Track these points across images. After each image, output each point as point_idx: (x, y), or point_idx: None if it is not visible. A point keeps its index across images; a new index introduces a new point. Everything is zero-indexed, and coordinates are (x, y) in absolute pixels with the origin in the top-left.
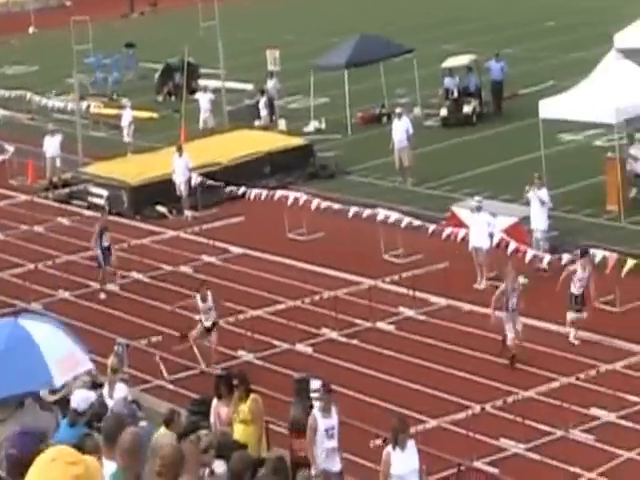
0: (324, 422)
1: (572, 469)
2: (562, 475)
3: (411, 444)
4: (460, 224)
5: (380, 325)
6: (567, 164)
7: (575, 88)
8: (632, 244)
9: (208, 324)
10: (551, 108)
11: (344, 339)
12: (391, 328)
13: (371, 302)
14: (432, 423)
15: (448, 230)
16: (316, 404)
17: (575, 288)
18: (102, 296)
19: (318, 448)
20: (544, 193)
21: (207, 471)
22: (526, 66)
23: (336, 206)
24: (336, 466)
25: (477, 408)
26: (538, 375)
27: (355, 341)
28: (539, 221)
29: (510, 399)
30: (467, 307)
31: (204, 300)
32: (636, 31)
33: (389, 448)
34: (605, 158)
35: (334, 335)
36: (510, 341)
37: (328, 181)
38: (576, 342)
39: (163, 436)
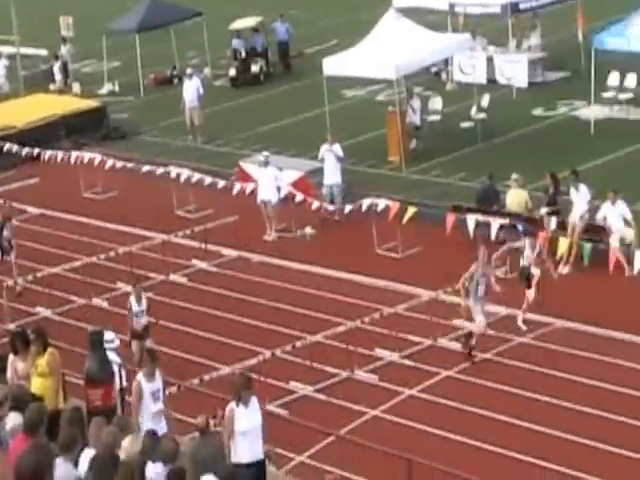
0: (149, 386)
1: (357, 407)
2: (348, 414)
3: (254, 400)
4: (249, 179)
5: (173, 277)
6: (351, 119)
7: (357, 46)
8: (412, 193)
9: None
10: (334, 66)
11: None
12: (184, 280)
13: (165, 256)
14: (225, 370)
15: (237, 185)
16: (111, 354)
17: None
18: None
19: (144, 411)
20: (338, 148)
21: (2, 423)
22: (310, 27)
23: (129, 165)
24: (162, 428)
25: (268, 354)
26: (325, 320)
27: (150, 294)
28: (334, 176)
29: (299, 344)
30: (257, 258)
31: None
32: None
33: (232, 405)
34: (386, 112)
35: (129, 289)
36: (480, 327)
37: (122, 142)
38: (523, 327)
39: None
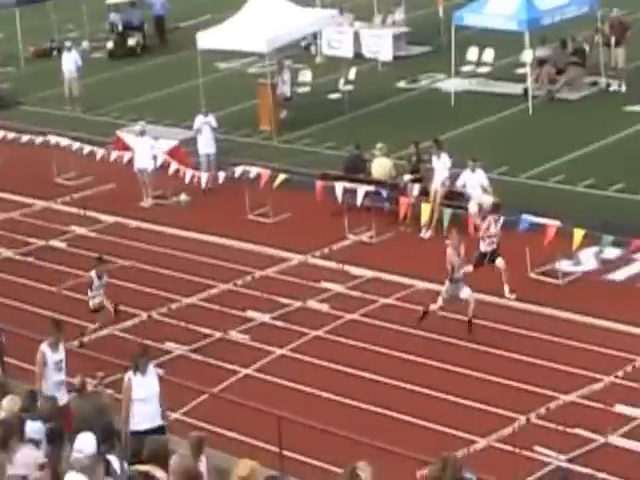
0: (52, 356)
1: (230, 367)
2: (222, 372)
3: (151, 369)
4: (126, 147)
5: (53, 243)
6: (224, 90)
7: (229, 21)
8: (282, 160)
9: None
10: (208, 40)
11: (19, 257)
12: (63, 245)
13: (44, 222)
14: (104, 332)
15: (115, 153)
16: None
17: (485, 245)
18: None
19: (48, 380)
20: (212, 119)
21: None
22: (185, 2)
23: (10, 135)
24: (63, 398)
25: (144, 315)
26: (199, 283)
27: (30, 258)
28: (209, 146)
29: (174, 306)
30: (134, 224)
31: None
32: None
33: (130, 374)
34: (257, 84)
35: (9, 254)
36: (436, 307)
37: (2, 112)
38: (512, 296)
39: None
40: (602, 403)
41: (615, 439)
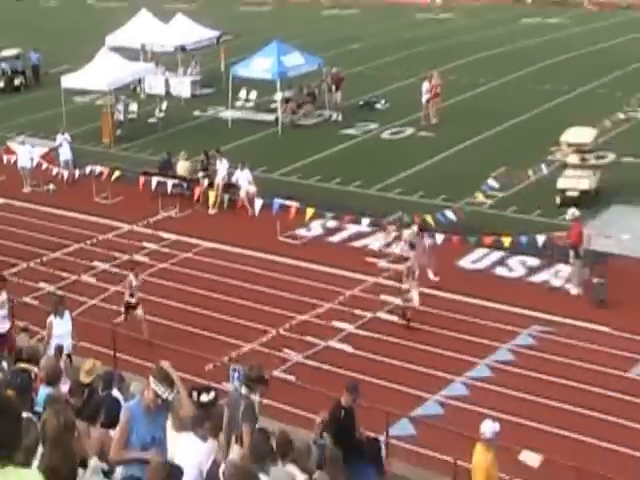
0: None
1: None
2: None
3: (67, 313)
4: (12, 152)
5: None
6: (78, 116)
7: (83, 69)
8: (117, 162)
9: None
10: (68, 81)
11: None
12: None
13: None
14: None
15: (5, 157)
16: None
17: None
18: None
19: None
20: (67, 135)
21: None
22: (53, 55)
23: None
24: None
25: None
26: (58, 243)
27: None
28: (67, 154)
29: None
30: (18, 204)
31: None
32: (118, 34)
33: (51, 317)
34: (101, 111)
35: None
36: (417, 302)
37: None
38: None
39: None
40: (324, 320)
41: (333, 343)
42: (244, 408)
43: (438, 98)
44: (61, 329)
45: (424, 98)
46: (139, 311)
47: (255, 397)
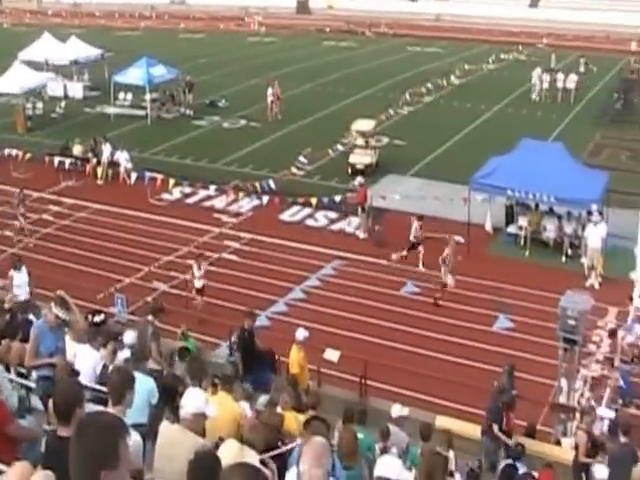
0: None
1: None
2: None
3: (23, 268)
4: None
5: None
6: (2, 113)
7: (2, 77)
8: (29, 147)
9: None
10: None
11: None
12: None
13: None
14: None
15: None
16: None
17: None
18: None
19: None
20: None
21: None
22: None
23: None
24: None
25: None
26: None
27: None
28: None
29: None
30: None
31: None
32: (28, 50)
33: (12, 271)
34: (15, 109)
35: None
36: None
37: None
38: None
39: None
40: (183, 259)
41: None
42: (152, 331)
43: (279, 101)
44: (19, 281)
45: (269, 100)
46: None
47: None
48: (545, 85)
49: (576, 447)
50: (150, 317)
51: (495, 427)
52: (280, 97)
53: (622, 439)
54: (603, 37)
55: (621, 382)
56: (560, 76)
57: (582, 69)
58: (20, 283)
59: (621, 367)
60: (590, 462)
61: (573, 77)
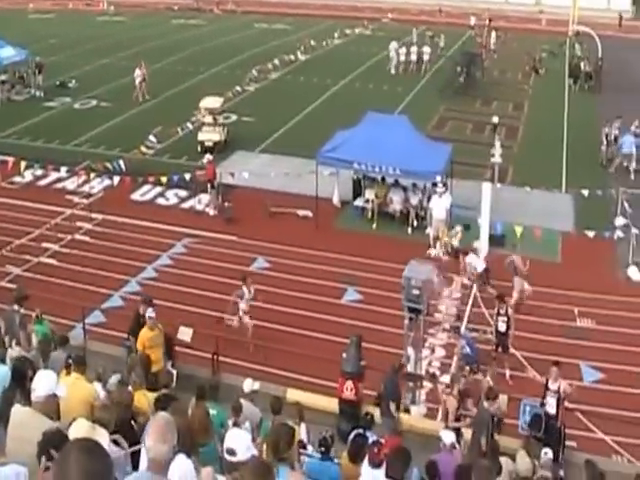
0: None
1: None
2: None
3: None
4: None
5: None
6: None
7: None
8: None
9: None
10: None
11: None
12: None
13: None
14: None
15: None
16: None
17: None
18: None
19: None
20: None
21: None
22: None
23: None
24: None
25: None
26: None
27: None
28: None
29: None
30: None
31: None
32: None
33: None
34: None
35: None
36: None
37: None
38: None
39: None
40: (36, 242)
41: (44, 259)
42: (19, 320)
43: (145, 81)
44: None
45: (137, 81)
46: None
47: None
48: (402, 58)
49: (446, 413)
50: (16, 306)
51: (392, 406)
52: (146, 78)
53: (485, 404)
54: (445, 12)
55: (467, 349)
56: (413, 49)
57: (442, 43)
58: None
59: (465, 334)
60: (460, 426)
61: (427, 49)
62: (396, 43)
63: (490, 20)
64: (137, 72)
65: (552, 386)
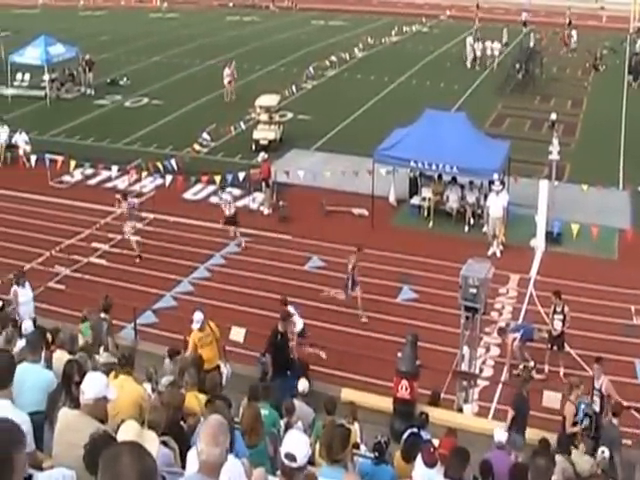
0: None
1: None
2: None
3: (27, 284)
4: None
5: None
6: None
7: None
8: None
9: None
10: None
11: None
12: None
13: None
14: None
15: None
16: None
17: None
18: None
19: None
20: None
21: None
22: None
23: None
24: None
25: None
26: None
27: None
28: None
29: None
30: None
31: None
32: None
33: (15, 287)
34: None
35: None
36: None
37: None
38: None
39: None
40: (85, 242)
41: (93, 259)
42: (106, 327)
43: (234, 81)
44: (24, 297)
45: (226, 81)
46: None
47: None
48: (478, 53)
49: (564, 418)
50: (103, 314)
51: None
52: (235, 77)
53: (614, 420)
54: (503, 9)
55: (519, 332)
56: (488, 44)
57: (505, 39)
58: (25, 300)
59: (517, 325)
60: (577, 432)
61: (497, 46)
62: (471, 39)
63: (570, 20)
64: (226, 71)
65: (596, 384)
